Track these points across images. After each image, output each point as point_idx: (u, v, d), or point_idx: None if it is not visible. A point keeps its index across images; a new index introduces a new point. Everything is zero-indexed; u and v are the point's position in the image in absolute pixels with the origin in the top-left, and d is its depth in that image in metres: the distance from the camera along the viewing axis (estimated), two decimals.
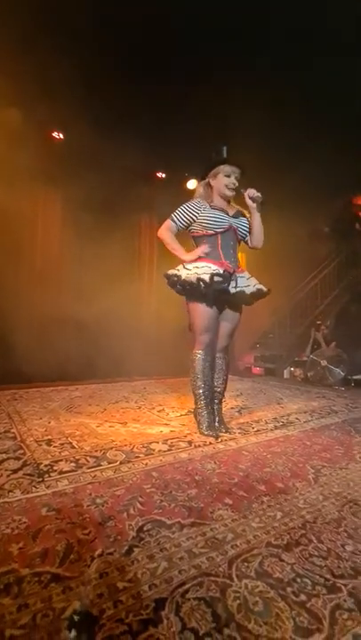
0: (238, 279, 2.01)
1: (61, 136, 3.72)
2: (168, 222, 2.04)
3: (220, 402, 2.14)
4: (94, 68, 3.29)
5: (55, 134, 3.71)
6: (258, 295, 2.04)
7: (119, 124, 3.74)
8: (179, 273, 1.98)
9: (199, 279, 1.89)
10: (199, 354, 2.00)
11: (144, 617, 0.72)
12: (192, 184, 4.80)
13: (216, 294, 1.90)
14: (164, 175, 4.61)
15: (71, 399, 2.86)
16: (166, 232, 2.03)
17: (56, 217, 3.91)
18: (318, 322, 4.64)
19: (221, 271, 1.92)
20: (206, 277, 1.88)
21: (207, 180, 2.06)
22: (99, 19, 3.19)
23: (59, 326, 3.72)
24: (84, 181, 3.70)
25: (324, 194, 6.18)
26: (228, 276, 1.94)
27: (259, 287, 2.04)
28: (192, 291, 1.92)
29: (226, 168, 1.99)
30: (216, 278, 1.89)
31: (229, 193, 2.02)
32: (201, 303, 1.95)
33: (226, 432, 1.99)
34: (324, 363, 4.03)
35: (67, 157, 3.71)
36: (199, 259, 1.97)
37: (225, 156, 2.09)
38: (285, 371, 5.22)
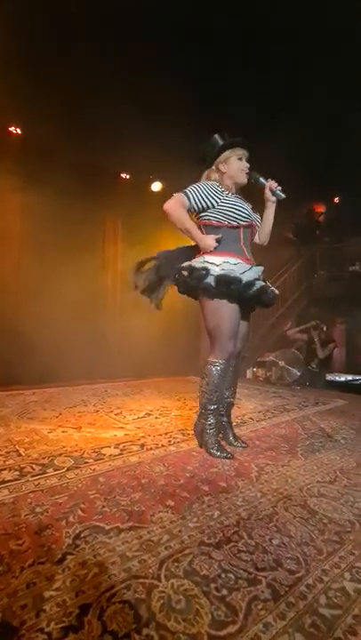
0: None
1: (19, 131, 3.58)
2: (181, 197, 1.66)
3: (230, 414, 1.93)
4: (54, 61, 3.20)
5: (12, 129, 3.56)
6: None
7: (81, 122, 3.66)
8: (207, 266, 1.63)
9: (238, 278, 1.60)
10: (221, 363, 1.69)
11: (65, 624, 0.72)
12: (157, 186, 4.81)
13: (255, 294, 1.64)
14: (128, 176, 4.58)
15: (26, 404, 2.77)
16: (180, 209, 1.66)
17: (15, 218, 3.75)
18: (315, 322, 4.67)
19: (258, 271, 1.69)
20: (250, 277, 1.63)
21: (213, 167, 1.78)
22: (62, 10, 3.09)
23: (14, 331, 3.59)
24: (42, 180, 3.60)
25: (288, 200, 6.45)
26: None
27: (275, 292, 1.82)
28: (226, 288, 1.59)
29: (238, 150, 1.74)
30: (258, 283, 1.64)
31: (245, 179, 1.76)
32: (232, 304, 1.65)
33: (242, 446, 1.83)
34: (282, 363, 4.22)
35: (24, 154, 3.59)
36: (222, 253, 1.67)
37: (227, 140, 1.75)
38: (248, 371, 5.39)
